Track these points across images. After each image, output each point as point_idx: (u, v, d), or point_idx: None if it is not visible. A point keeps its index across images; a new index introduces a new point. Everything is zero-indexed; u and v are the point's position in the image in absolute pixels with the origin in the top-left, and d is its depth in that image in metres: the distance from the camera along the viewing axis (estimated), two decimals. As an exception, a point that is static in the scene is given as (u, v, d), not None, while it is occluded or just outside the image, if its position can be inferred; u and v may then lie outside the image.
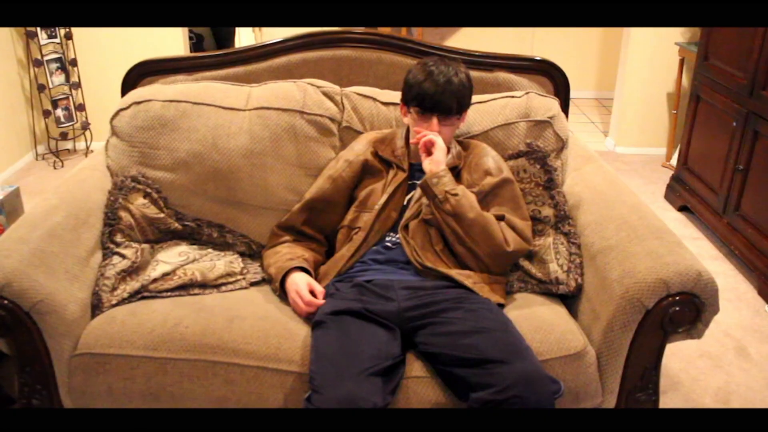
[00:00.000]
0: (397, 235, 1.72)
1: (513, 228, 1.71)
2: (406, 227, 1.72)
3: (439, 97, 1.71)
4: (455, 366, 1.44)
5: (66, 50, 4.11)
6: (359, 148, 1.89)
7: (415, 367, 1.51)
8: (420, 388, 1.49)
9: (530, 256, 1.78)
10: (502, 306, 1.66)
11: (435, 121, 1.73)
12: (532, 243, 1.75)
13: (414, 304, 1.56)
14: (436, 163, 1.68)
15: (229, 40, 5.56)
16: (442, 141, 1.70)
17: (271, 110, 1.95)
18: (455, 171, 1.78)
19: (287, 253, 1.78)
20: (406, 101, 1.80)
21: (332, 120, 1.99)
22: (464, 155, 1.83)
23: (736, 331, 2.49)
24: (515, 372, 1.35)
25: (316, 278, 1.74)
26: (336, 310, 1.55)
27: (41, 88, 4.02)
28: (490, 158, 1.81)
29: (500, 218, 1.72)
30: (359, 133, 1.99)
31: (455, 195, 1.66)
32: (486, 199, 1.74)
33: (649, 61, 4.17)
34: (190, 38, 4.72)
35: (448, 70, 1.75)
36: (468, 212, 1.66)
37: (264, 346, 1.54)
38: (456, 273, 1.66)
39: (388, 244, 1.73)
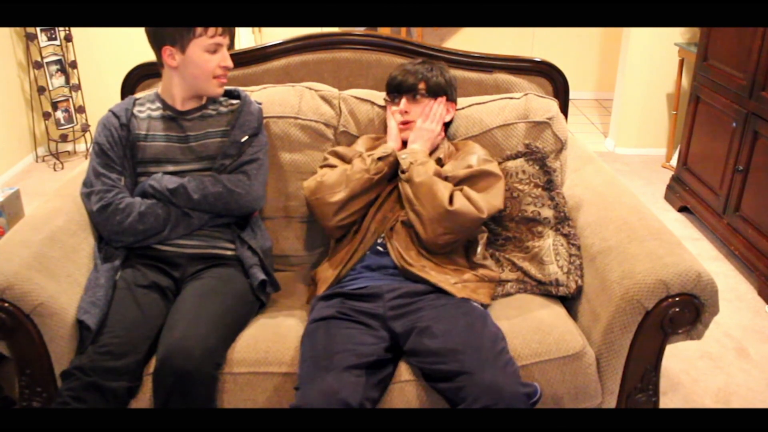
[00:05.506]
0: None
1: (467, 197, 1.67)
2: (392, 229, 1.72)
3: (402, 77, 1.85)
4: (435, 381, 1.43)
5: (66, 52, 4.12)
6: (357, 150, 1.89)
7: (404, 373, 1.51)
8: (409, 392, 1.49)
9: (530, 257, 1.78)
10: (485, 306, 1.65)
11: (403, 100, 1.83)
12: (483, 212, 1.65)
13: (397, 313, 1.56)
14: (412, 147, 1.78)
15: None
16: (419, 124, 1.79)
17: (266, 118, 1.94)
18: (441, 164, 1.80)
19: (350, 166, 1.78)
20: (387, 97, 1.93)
21: (327, 125, 1.99)
22: (455, 154, 1.85)
23: (736, 331, 2.49)
24: (480, 383, 1.33)
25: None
26: (322, 316, 1.56)
27: (41, 90, 4.02)
28: (475, 156, 1.80)
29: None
30: (356, 137, 1.99)
31: (412, 163, 1.70)
32: (462, 183, 1.73)
33: (648, 62, 4.17)
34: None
35: (423, 65, 1.86)
36: (418, 177, 1.67)
37: (253, 351, 1.55)
38: (435, 276, 1.63)
39: (380, 248, 1.71)
